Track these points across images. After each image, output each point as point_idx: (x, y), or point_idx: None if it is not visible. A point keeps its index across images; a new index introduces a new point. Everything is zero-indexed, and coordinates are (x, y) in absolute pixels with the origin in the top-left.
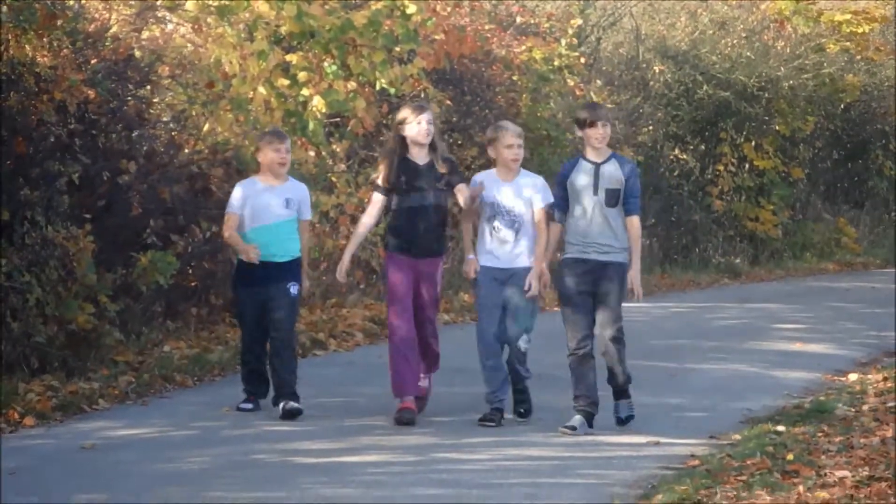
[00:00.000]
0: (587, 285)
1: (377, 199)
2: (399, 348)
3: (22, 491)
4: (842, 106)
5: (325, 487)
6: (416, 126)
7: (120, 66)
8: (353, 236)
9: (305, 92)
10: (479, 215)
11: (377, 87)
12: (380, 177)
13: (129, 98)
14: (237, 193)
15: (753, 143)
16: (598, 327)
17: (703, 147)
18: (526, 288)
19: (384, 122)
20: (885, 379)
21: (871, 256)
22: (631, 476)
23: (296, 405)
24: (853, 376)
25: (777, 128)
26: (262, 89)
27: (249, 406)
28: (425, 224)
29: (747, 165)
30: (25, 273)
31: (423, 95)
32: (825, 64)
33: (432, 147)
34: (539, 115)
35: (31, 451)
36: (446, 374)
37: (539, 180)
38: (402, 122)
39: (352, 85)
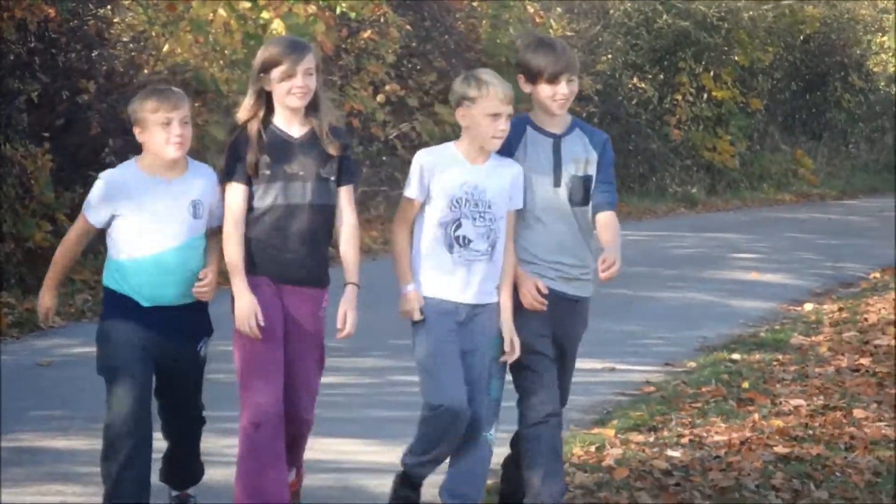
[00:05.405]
0: (548, 328)
1: (236, 192)
2: (254, 439)
3: None
4: (801, 37)
5: None
6: (287, 82)
7: None
8: (232, 269)
9: (265, 15)
10: (425, 216)
11: (337, 12)
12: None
13: (90, 17)
14: (98, 190)
15: (712, 73)
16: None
17: (661, 76)
18: (507, 348)
19: (343, 46)
20: (841, 309)
21: (827, 188)
22: (587, 401)
23: None
24: (809, 306)
25: (736, 58)
26: (222, 11)
27: None
28: (300, 233)
29: (705, 95)
30: None
31: (382, 20)
32: None
33: (313, 109)
34: (498, 41)
35: None
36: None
37: (518, 169)
38: (268, 69)
39: (312, 8)
